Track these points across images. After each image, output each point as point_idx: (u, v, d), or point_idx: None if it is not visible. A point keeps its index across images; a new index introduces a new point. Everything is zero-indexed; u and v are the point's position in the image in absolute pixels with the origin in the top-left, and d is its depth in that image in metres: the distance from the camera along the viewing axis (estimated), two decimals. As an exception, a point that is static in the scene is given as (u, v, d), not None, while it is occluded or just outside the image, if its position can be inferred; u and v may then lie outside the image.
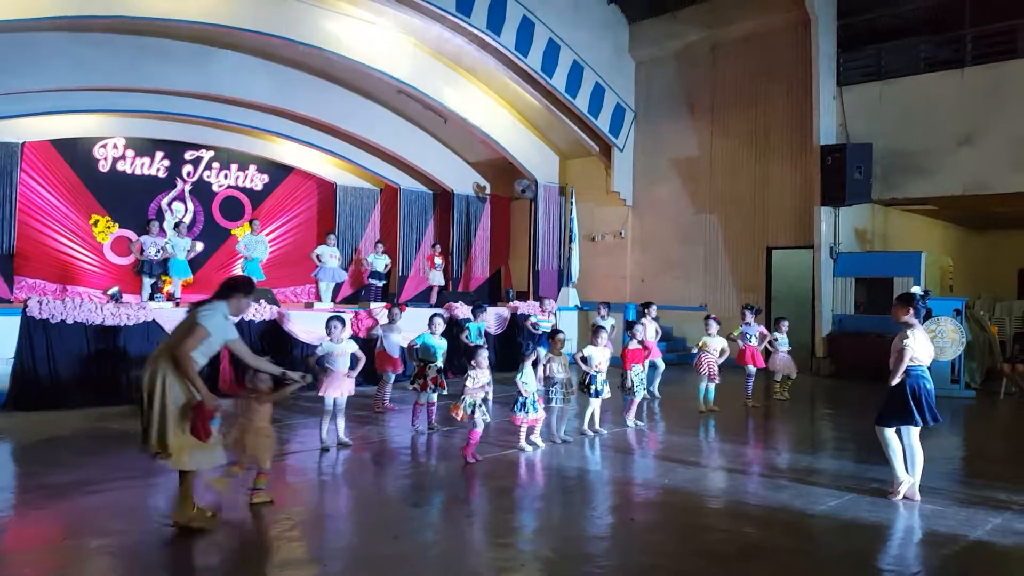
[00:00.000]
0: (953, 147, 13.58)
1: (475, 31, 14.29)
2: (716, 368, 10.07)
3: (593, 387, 8.31)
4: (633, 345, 9.12)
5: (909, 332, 5.91)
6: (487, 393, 7.22)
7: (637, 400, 8.99)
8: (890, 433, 5.99)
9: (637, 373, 8.94)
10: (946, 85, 13.72)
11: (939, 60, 14.04)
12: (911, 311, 6.00)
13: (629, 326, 9.54)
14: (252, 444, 5.55)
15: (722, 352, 10.17)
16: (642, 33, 17.63)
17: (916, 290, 6.30)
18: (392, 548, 4.85)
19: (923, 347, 5.94)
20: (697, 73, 16.84)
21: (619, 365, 9.04)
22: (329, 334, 7.67)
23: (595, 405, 8.45)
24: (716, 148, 16.53)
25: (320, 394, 7.53)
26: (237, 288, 5.39)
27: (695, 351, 10.35)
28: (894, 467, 6.00)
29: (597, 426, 8.50)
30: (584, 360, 8.35)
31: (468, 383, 7.03)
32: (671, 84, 17.30)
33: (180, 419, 4.91)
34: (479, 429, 7.05)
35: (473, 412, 6.97)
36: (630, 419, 8.96)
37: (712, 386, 10.06)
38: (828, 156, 14.10)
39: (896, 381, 5.91)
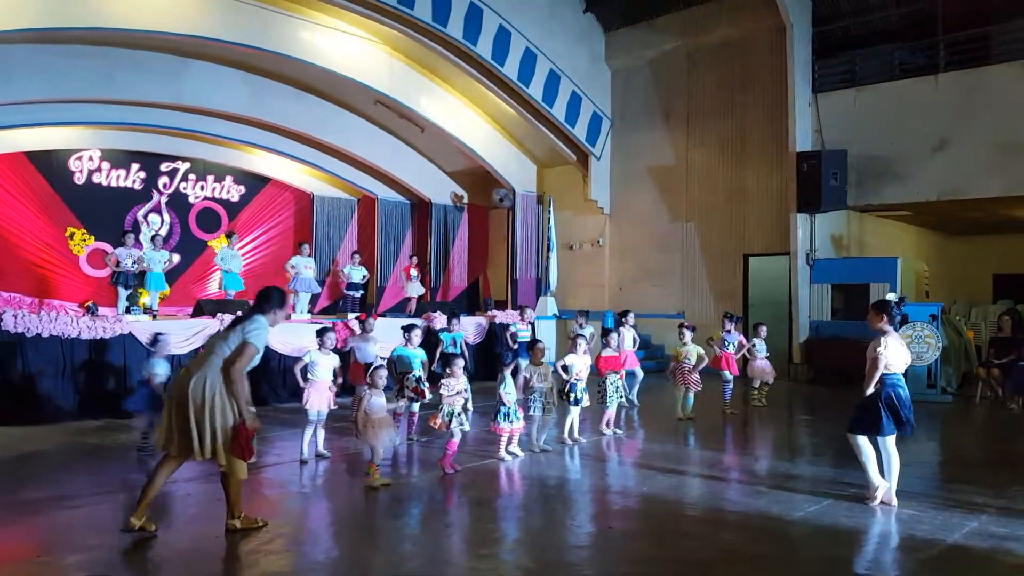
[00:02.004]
0: (927, 153, 13.75)
1: (452, 41, 14.31)
2: (697, 376, 10.09)
3: (573, 395, 8.32)
4: (607, 352, 9.13)
5: (883, 340, 5.94)
6: (466, 401, 7.19)
7: (610, 410, 8.99)
8: (862, 440, 6.03)
9: (612, 381, 8.95)
10: (920, 91, 13.91)
11: (913, 67, 14.23)
12: (885, 318, 6.04)
13: (605, 334, 9.55)
14: (370, 434, 6.36)
15: (699, 359, 10.18)
16: (618, 42, 17.74)
17: (891, 297, 6.36)
18: (372, 560, 4.83)
19: (898, 354, 5.97)
20: (673, 81, 16.95)
21: (596, 373, 9.05)
22: (321, 345, 7.62)
23: (575, 414, 8.46)
24: (692, 156, 16.63)
25: (305, 406, 7.48)
26: (271, 300, 5.48)
27: (672, 365, 10.37)
28: (868, 472, 6.04)
29: (576, 435, 8.50)
30: (564, 369, 8.36)
31: (443, 391, 7.02)
32: (647, 92, 17.40)
33: (229, 435, 5.10)
34: (456, 439, 7.04)
35: (451, 421, 6.96)
36: (604, 427, 8.96)
37: (692, 393, 10.10)
38: (804, 163, 14.24)
39: (871, 390, 5.96)
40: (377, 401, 6.48)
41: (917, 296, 14.44)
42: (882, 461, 6.04)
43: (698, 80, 16.55)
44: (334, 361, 7.67)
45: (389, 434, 6.52)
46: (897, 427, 5.93)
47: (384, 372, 6.73)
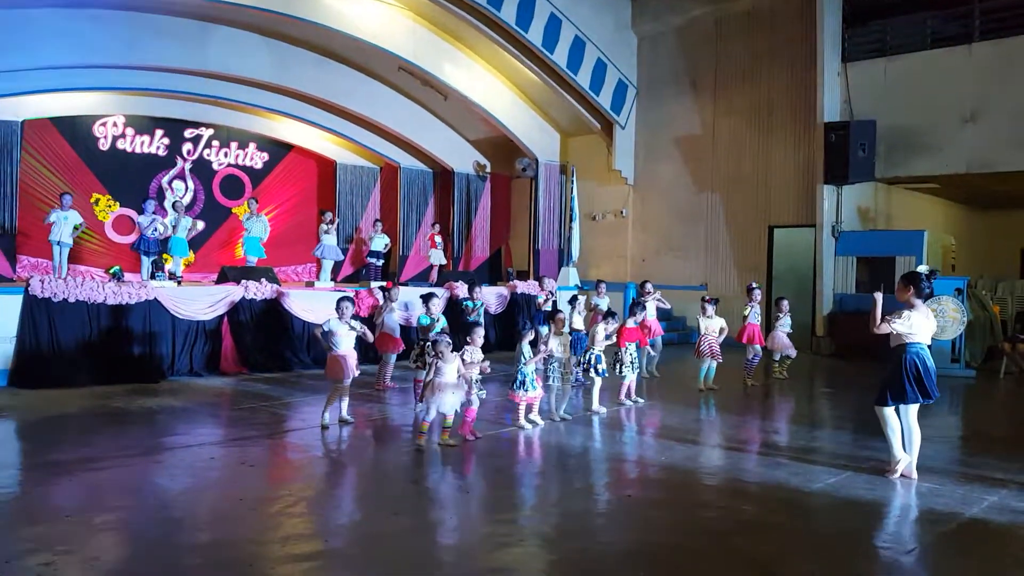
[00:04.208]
0: (958, 125, 13.49)
1: (475, 5, 14.18)
2: (718, 348, 10.09)
3: (600, 366, 8.41)
4: (630, 324, 9.15)
5: (905, 312, 5.88)
6: (483, 370, 7.19)
7: (626, 381, 9.00)
8: (889, 412, 5.99)
9: (631, 352, 8.97)
10: (952, 61, 13.61)
11: (946, 36, 13.89)
12: (913, 290, 5.96)
13: (633, 306, 9.57)
14: (437, 397, 6.56)
15: (721, 331, 10.17)
16: (645, 7, 17.49)
17: (922, 269, 6.25)
18: (393, 524, 4.89)
19: (923, 325, 5.90)
20: (700, 49, 16.72)
21: (615, 344, 9.06)
22: (339, 314, 7.62)
23: (598, 384, 8.53)
24: (719, 125, 16.45)
25: (328, 376, 7.51)
26: None
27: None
28: (892, 445, 6.01)
29: (597, 404, 8.54)
30: (593, 339, 8.51)
31: (465, 357, 7.03)
32: (674, 60, 17.18)
33: None
34: (475, 407, 7.08)
35: (469, 389, 6.99)
36: (623, 397, 8.99)
37: (714, 364, 10.10)
38: (832, 133, 14.05)
39: (884, 330, 5.89)
40: (446, 367, 6.65)
41: (943, 270, 14.25)
42: (903, 434, 6.01)
43: (726, 48, 16.31)
44: (357, 328, 7.68)
45: (455, 397, 6.68)
46: (922, 395, 5.87)
47: (447, 340, 6.82)
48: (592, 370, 8.43)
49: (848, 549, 4.62)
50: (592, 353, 8.43)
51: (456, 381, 6.70)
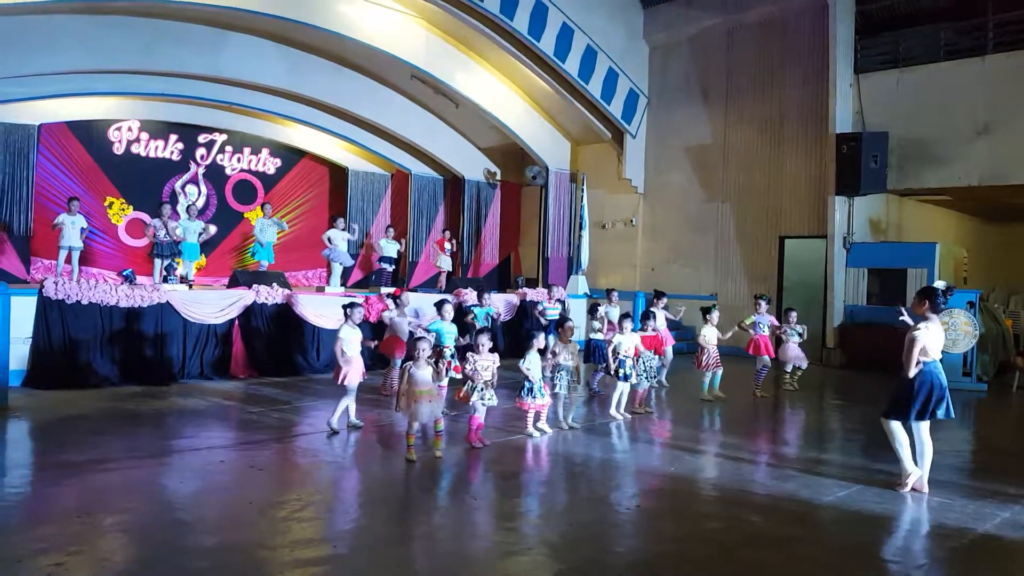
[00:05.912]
0: (971, 137, 13.44)
1: (488, 15, 14.23)
2: (717, 355, 10.10)
3: (622, 371, 8.49)
4: (644, 333, 9.17)
5: (922, 324, 5.86)
6: (493, 376, 7.18)
7: (640, 389, 9.05)
8: (896, 425, 5.97)
9: (647, 360, 8.99)
10: (966, 73, 13.55)
11: (960, 48, 13.84)
12: (928, 304, 5.94)
13: (645, 316, 9.61)
14: (413, 408, 6.42)
15: (717, 340, 10.20)
16: (657, 17, 17.51)
17: (940, 284, 6.24)
18: (399, 530, 4.90)
19: (935, 340, 5.89)
20: (712, 59, 16.73)
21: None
22: (349, 319, 7.64)
23: (623, 389, 8.65)
24: (730, 135, 16.44)
25: (340, 382, 7.53)
26: None
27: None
28: (901, 459, 5.99)
29: (621, 410, 8.64)
30: (615, 350, 8.57)
31: (467, 367, 7.04)
32: (685, 70, 17.19)
33: None
34: (479, 414, 7.08)
35: (472, 395, 6.98)
36: (635, 406, 9.00)
37: (719, 371, 10.09)
38: (843, 144, 14.01)
39: (912, 372, 5.85)
40: (420, 374, 6.52)
41: (955, 282, 14.18)
42: (915, 447, 5.98)
43: (738, 58, 16.31)
44: (361, 333, 7.72)
45: (431, 406, 6.54)
46: (931, 414, 5.84)
47: (426, 344, 6.73)
48: (619, 376, 8.52)
49: (857, 563, 4.60)
50: (620, 359, 8.54)
51: (431, 389, 6.57)
